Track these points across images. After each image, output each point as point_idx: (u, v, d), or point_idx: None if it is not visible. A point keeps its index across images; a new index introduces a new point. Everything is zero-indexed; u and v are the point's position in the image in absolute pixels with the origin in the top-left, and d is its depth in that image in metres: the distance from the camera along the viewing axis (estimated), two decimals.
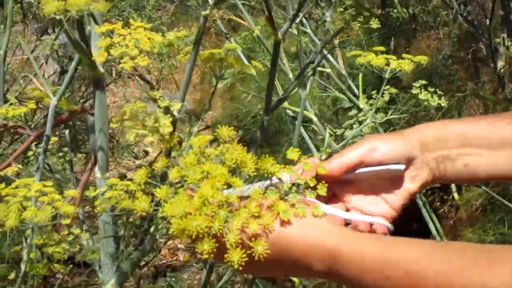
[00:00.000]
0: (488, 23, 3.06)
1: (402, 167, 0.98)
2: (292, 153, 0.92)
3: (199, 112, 5.96)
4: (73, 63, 1.51)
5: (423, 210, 3.11)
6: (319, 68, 3.09)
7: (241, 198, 0.87)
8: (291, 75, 2.67)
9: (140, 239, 1.30)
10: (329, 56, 3.18)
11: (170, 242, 4.61)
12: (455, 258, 0.77)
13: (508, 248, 0.75)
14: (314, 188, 0.91)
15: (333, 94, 3.38)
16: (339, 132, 1.94)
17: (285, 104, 2.88)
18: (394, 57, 1.56)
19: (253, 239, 0.84)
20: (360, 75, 2.84)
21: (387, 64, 1.55)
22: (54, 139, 1.77)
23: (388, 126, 3.55)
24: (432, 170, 1.01)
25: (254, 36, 2.78)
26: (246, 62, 2.35)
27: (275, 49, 1.44)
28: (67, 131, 1.86)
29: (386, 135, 1.02)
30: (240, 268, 0.84)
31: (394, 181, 1.00)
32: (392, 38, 3.83)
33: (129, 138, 0.99)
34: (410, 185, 1.00)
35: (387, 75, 1.56)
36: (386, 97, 1.71)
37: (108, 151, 1.32)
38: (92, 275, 3.39)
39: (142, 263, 2.25)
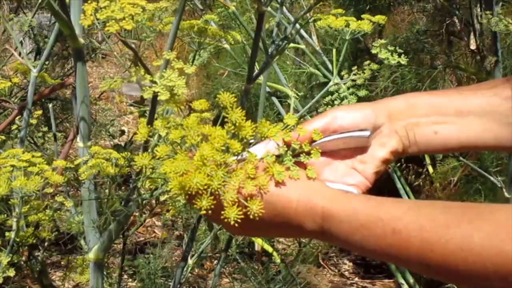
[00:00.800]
0: None
1: (367, 133, 0.99)
2: (290, 119, 0.94)
3: None
4: (52, 36, 1.52)
5: (398, 184, 3.15)
6: (293, 45, 3.11)
7: (239, 160, 0.89)
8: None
9: (125, 202, 1.32)
10: (303, 32, 3.20)
11: (147, 220, 4.63)
12: (440, 214, 0.78)
13: (494, 206, 0.77)
14: (308, 153, 0.93)
15: (308, 70, 3.40)
16: (321, 109, 1.95)
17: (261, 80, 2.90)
18: (353, 18, 1.57)
19: (248, 199, 0.86)
20: (334, 50, 2.86)
21: (347, 26, 1.57)
22: (38, 112, 1.78)
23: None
24: (402, 138, 1.01)
25: (230, 12, 2.80)
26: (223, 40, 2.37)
27: (259, 19, 1.45)
28: (50, 105, 1.87)
29: (353, 105, 1.03)
30: (236, 227, 0.86)
31: (363, 150, 1.01)
32: (368, 14, 3.85)
33: (145, 97, 1.00)
34: (380, 151, 1.01)
35: (347, 36, 1.58)
36: (367, 73, 1.72)
37: (89, 121, 1.34)
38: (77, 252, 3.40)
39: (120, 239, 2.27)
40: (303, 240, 3.64)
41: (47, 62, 2.67)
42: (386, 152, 1.01)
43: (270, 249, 3.45)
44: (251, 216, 0.86)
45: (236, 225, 0.86)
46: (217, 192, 0.85)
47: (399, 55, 1.66)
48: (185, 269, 1.74)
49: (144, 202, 1.34)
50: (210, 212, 0.85)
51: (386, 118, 1.01)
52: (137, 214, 2.16)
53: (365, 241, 0.83)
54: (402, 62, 1.66)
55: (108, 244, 1.38)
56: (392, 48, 1.66)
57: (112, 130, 4.56)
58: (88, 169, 1.26)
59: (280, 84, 3.06)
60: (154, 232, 4.58)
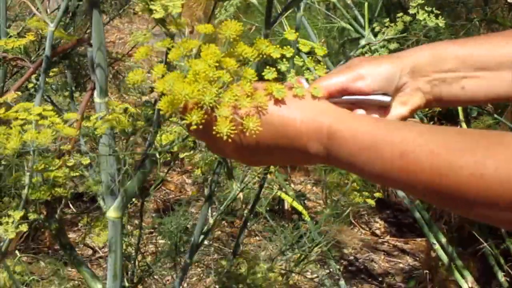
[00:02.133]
0: None
1: (387, 99, 0.95)
2: (290, 34, 0.91)
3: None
4: None
5: None
6: None
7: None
8: None
9: (141, 159, 1.28)
10: None
11: (178, 177, 4.63)
12: (453, 140, 0.75)
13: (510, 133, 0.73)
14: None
15: (339, 24, 3.33)
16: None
17: (289, 31, 2.83)
18: None
19: (245, 117, 0.82)
20: (366, 4, 2.79)
21: None
22: (54, 70, 1.75)
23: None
24: (425, 94, 0.97)
25: None
26: None
27: None
28: (67, 61, 1.84)
29: (376, 59, 0.97)
30: (232, 150, 0.84)
31: (382, 108, 0.96)
32: None
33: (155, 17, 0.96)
34: (401, 109, 0.97)
35: None
36: (400, 26, 1.67)
37: (107, 72, 1.30)
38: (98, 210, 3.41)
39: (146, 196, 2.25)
40: (334, 198, 3.61)
41: (70, 22, 2.64)
42: (408, 110, 0.97)
43: (299, 207, 3.41)
44: (247, 134, 0.81)
45: (230, 147, 0.83)
46: (209, 109, 0.80)
47: (436, 16, 1.61)
48: (206, 227, 1.71)
49: (161, 158, 1.31)
50: (201, 127, 0.80)
51: (410, 75, 0.96)
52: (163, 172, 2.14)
53: (370, 164, 0.79)
54: (440, 24, 1.61)
55: (126, 202, 1.34)
56: (429, 8, 1.62)
57: (142, 86, 4.54)
58: (103, 123, 1.22)
59: (309, 39, 2.99)
60: (185, 189, 4.57)
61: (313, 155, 0.84)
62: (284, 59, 0.87)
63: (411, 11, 1.59)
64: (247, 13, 3.86)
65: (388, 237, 4.25)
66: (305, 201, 4.27)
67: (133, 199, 2.05)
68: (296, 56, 0.90)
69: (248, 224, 4.05)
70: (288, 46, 0.86)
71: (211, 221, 1.76)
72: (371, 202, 2.61)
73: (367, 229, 4.34)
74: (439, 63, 0.97)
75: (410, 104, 0.97)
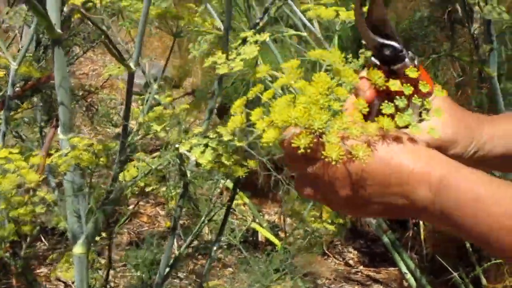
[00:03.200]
0: None
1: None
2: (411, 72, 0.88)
3: (179, 78, 5.90)
4: (32, 26, 1.50)
5: None
6: (296, 33, 3.08)
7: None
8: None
9: (105, 196, 1.30)
10: (305, 20, 3.16)
11: (152, 209, 4.63)
12: None
13: None
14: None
15: (310, 58, 3.37)
16: None
17: (263, 67, 2.87)
18: (343, 9, 1.55)
19: (355, 146, 0.80)
20: (336, 37, 2.83)
21: (337, 16, 1.55)
22: (24, 106, 1.76)
23: None
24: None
25: None
26: (217, 19, 2.36)
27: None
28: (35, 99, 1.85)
29: (465, 131, 0.95)
30: (338, 189, 0.83)
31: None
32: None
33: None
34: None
35: (337, 27, 1.56)
36: (361, 61, 1.71)
37: (70, 108, 1.32)
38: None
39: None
40: (308, 229, 3.62)
41: (43, 55, 2.65)
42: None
43: (272, 238, 3.43)
44: (356, 164, 0.80)
45: (336, 182, 0.82)
46: (317, 134, 0.80)
47: None
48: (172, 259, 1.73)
49: (127, 193, 1.32)
50: (309, 150, 0.79)
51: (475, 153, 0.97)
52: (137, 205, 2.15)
53: (477, 219, 0.78)
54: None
55: (91, 238, 1.36)
56: None
57: (116, 118, 4.54)
58: (66, 161, 1.24)
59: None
60: (158, 222, 4.57)
61: (418, 203, 0.83)
62: (403, 96, 0.86)
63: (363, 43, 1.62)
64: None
65: (361, 267, 4.26)
66: (279, 232, 4.28)
67: (103, 233, 2.06)
68: (415, 96, 0.88)
69: (222, 255, 4.06)
70: (408, 84, 0.86)
71: (177, 253, 1.78)
72: (331, 227, 2.62)
73: (341, 259, 4.35)
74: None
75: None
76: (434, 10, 3.61)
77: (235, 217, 4.09)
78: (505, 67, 3.30)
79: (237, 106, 0.90)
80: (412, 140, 0.85)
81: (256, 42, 1.08)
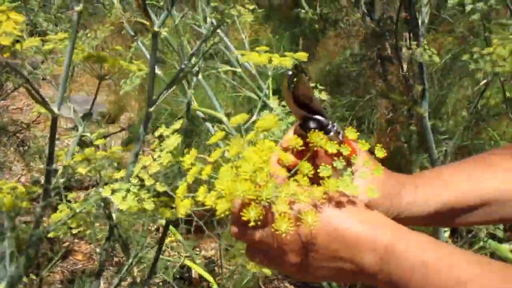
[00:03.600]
0: (394, 25, 3.13)
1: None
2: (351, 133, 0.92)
3: (114, 114, 5.88)
4: None
5: None
6: (231, 69, 3.11)
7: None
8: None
9: (28, 240, 1.29)
10: (239, 56, 3.21)
11: (87, 247, 4.57)
12: (498, 271, 0.80)
13: None
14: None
15: (244, 93, 3.40)
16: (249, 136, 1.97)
17: (196, 106, 2.90)
18: (276, 55, 1.59)
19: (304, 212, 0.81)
20: (270, 73, 2.87)
21: (270, 62, 1.58)
22: None
23: None
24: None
25: (162, 38, 2.78)
26: (147, 56, 2.37)
27: (154, 40, 1.45)
28: None
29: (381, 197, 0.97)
30: (289, 259, 0.84)
31: None
32: (301, 38, 3.88)
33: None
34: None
35: (270, 73, 1.59)
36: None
37: None
38: None
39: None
40: (243, 264, 3.63)
41: None
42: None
43: (206, 275, 3.42)
44: (305, 229, 0.81)
45: (286, 247, 0.83)
46: (266, 203, 0.81)
47: (320, 91, 1.70)
48: None
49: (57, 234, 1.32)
50: (259, 224, 0.81)
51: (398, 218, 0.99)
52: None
53: (423, 285, 0.81)
54: (323, 98, 1.70)
55: (16, 279, 1.34)
56: (314, 84, 1.71)
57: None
58: None
59: (214, 109, 3.05)
60: (93, 259, 4.52)
61: (366, 268, 0.84)
62: (341, 157, 0.88)
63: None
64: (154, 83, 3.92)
65: None
66: (216, 268, 4.27)
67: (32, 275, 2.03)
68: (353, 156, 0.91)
69: None
70: (346, 145, 0.88)
71: None
72: (268, 272, 2.63)
73: None
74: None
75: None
76: (364, 48, 3.69)
77: (169, 254, 4.08)
78: (433, 106, 3.38)
79: (181, 193, 0.91)
80: (354, 203, 0.87)
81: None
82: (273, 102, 2.30)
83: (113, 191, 1.24)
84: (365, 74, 3.51)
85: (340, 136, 0.93)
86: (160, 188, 1.28)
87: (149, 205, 1.24)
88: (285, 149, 0.92)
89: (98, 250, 4.57)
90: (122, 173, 1.35)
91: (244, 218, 0.81)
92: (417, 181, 1.02)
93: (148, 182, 1.26)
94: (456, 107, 3.44)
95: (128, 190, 1.25)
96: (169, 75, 3.45)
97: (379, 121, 3.67)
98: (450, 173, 1.04)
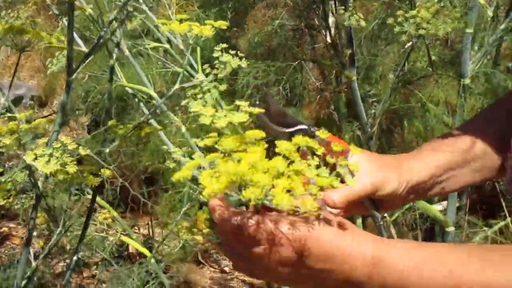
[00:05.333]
0: None
1: (379, 215, 1.11)
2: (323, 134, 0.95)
3: (46, 97, 5.81)
4: None
5: None
6: (157, 45, 3.11)
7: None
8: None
9: None
10: (167, 33, 3.20)
11: (23, 231, 4.54)
12: (487, 256, 0.85)
13: None
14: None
15: (172, 69, 3.41)
16: (183, 102, 1.97)
17: (124, 82, 2.90)
18: (196, 24, 1.61)
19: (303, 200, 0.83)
20: (198, 49, 2.88)
21: (190, 30, 1.60)
22: None
23: (232, 96, 3.63)
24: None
25: (87, 15, 2.78)
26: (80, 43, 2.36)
27: (69, 5, 1.45)
28: None
29: (389, 172, 1.09)
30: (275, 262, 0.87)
31: None
32: (230, 12, 3.90)
33: None
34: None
35: (191, 41, 1.61)
36: (229, 68, 1.75)
37: None
38: None
39: None
40: (182, 238, 3.65)
41: None
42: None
43: (142, 249, 3.44)
44: (299, 237, 0.84)
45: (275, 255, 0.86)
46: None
47: (240, 58, 1.72)
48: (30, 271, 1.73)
49: None
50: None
51: (409, 190, 1.11)
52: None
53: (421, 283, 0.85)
54: (243, 65, 1.72)
55: None
56: (234, 52, 1.72)
57: None
58: None
59: (144, 85, 3.05)
60: (32, 243, 4.48)
61: (356, 281, 0.88)
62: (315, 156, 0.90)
63: (214, 55, 1.68)
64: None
65: (236, 273, 4.32)
66: (154, 243, 4.29)
67: None
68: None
69: (97, 271, 4.03)
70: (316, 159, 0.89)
71: (34, 265, 1.78)
72: (200, 238, 2.66)
73: (216, 266, 4.40)
74: (430, 179, 1.12)
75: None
76: (292, 18, 3.71)
77: (107, 232, 4.08)
78: (362, 71, 3.44)
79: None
80: (343, 223, 0.90)
81: None
82: (200, 74, 2.31)
83: (36, 157, 1.26)
84: (293, 44, 3.54)
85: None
86: (83, 152, 1.30)
87: (72, 168, 1.26)
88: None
89: (35, 233, 4.55)
90: (44, 140, 1.37)
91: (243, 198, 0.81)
92: (415, 154, 1.16)
93: (70, 147, 1.28)
94: (384, 71, 3.51)
95: (51, 155, 1.26)
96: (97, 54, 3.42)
97: (309, 90, 3.72)
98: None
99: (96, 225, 3.23)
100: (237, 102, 0.97)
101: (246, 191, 0.80)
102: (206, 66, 1.78)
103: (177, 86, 1.93)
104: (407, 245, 0.89)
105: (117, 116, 3.81)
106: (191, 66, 3.18)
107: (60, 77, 5.45)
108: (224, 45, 1.72)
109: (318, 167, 0.88)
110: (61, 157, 1.25)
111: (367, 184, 1.05)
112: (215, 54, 1.70)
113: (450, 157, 1.13)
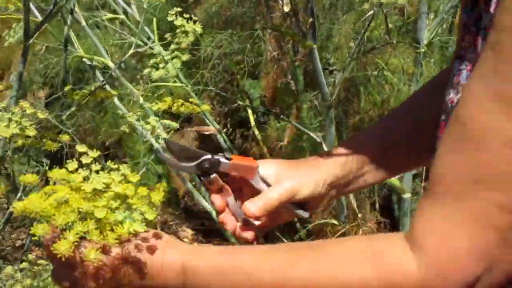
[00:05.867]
0: None
1: (306, 215, 1.12)
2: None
3: (2, 71, 5.72)
4: None
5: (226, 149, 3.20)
6: (113, 16, 3.09)
7: None
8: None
9: None
10: (123, 4, 3.18)
11: None
12: (283, 256, 0.87)
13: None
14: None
15: (129, 40, 3.40)
16: (145, 71, 1.96)
17: (82, 53, 2.88)
18: None
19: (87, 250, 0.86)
20: (154, 20, 2.88)
21: None
22: None
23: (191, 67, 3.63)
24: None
25: None
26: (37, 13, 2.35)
27: None
28: None
29: (303, 175, 1.09)
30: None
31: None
32: None
33: None
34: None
35: (145, 6, 1.61)
36: (191, 38, 1.75)
37: None
38: None
39: None
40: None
41: None
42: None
43: None
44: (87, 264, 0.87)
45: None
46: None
47: (194, 22, 1.71)
48: None
49: None
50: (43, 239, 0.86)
51: (327, 187, 1.10)
52: None
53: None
54: (197, 29, 1.71)
55: None
56: (188, 16, 1.71)
57: None
58: None
59: (101, 55, 3.04)
60: None
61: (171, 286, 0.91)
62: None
63: (169, 18, 1.67)
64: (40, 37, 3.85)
65: (195, 244, 4.34)
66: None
67: None
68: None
69: None
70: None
71: None
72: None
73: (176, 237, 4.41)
74: (349, 173, 1.12)
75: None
76: None
77: None
78: (320, 40, 3.45)
79: None
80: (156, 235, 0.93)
81: None
82: (156, 44, 2.30)
83: None
84: (250, 14, 3.54)
85: (227, 155, 1.05)
86: (41, 115, 1.30)
87: (31, 132, 1.26)
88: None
89: None
90: (3, 104, 1.36)
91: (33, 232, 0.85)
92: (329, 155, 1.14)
93: (29, 111, 1.28)
94: (342, 40, 3.52)
95: (10, 119, 1.26)
96: (53, 25, 3.40)
97: (266, 60, 3.73)
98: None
99: None
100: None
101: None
102: (167, 34, 1.78)
103: (132, 50, 1.93)
104: (214, 251, 0.93)
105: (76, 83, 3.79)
106: (149, 38, 3.17)
107: (17, 51, 5.37)
108: (179, 9, 1.72)
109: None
110: (20, 121, 1.26)
111: (282, 190, 1.07)
112: (169, 18, 1.70)
113: (369, 150, 1.14)
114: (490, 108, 0.72)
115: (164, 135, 1.96)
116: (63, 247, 0.82)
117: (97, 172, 0.90)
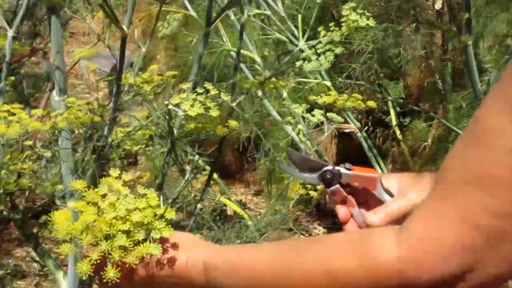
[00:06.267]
0: None
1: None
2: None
3: (144, 63, 5.91)
4: None
5: (365, 146, 3.20)
6: (259, 11, 3.15)
7: None
8: None
9: (98, 152, 1.37)
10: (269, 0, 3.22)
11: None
12: (281, 251, 0.92)
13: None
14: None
15: (274, 36, 3.44)
16: (298, 63, 1.99)
17: (229, 47, 2.95)
18: None
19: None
20: (299, 16, 2.91)
21: None
22: (10, 78, 1.81)
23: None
24: None
25: None
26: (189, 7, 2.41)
27: None
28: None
29: (425, 188, 1.06)
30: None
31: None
32: None
33: None
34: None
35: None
36: (345, 29, 1.77)
37: (65, 72, 1.39)
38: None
39: None
40: (276, 209, 3.72)
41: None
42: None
43: (241, 211, 3.51)
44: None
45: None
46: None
47: (368, 18, 1.73)
48: None
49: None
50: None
51: None
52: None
53: (236, 283, 0.94)
54: (371, 24, 1.73)
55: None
56: (361, 11, 1.74)
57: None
58: (64, 119, 1.30)
59: (248, 50, 3.10)
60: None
61: (197, 285, 0.98)
62: None
63: (343, 13, 1.69)
64: (188, 25, 3.94)
65: None
66: (246, 210, 4.36)
67: None
68: None
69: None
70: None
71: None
72: (314, 193, 2.68)
73: (307, 235, 4.44)
74: None
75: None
76: None
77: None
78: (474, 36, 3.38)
79: None
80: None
81: None
82: (301, 41, 2.32)
83: (181, 101, 1.32)
84: (402, 9, 3.51)
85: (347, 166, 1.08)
86: (224, 97, 1.35)
87: (215, 112, 1.32)
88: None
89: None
90: (188, 85, 1.42)
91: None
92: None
93: (212, 92, 1.34)
94: (495, 38, 3.43)
95: (194, 100, 1.32)
96: (202, 16, 3.46)
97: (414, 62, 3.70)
98: None
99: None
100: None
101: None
102: (320, 28, 1.80)
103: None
104: (229, 249, 1.03)
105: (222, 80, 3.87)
106: (292, 34, 3.21)
107: (159, 45, 5.53)
108: (352, 4, 1.74)
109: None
110: (204, 102, 1.31)
111: (405, 201, 1.07)
112: (344, 12, 1.72)
113: None
114: (500, 109, 0.73)
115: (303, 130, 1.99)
116: (85, 267, 0.90)
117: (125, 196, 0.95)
